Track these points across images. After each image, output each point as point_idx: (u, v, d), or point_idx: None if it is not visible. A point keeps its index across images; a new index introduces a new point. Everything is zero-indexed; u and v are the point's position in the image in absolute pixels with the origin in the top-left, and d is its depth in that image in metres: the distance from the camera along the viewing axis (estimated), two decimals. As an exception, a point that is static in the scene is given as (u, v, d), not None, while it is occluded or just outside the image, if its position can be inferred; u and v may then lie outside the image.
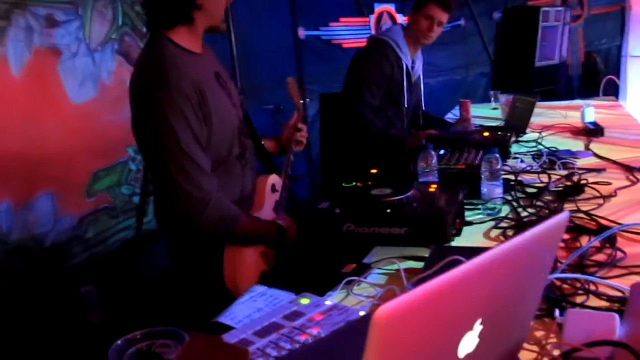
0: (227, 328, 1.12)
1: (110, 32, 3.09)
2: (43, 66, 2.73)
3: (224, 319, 1.19)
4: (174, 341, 0.91)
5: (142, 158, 1.90)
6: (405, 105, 2.89)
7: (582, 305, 1.12)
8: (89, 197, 2.98)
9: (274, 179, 1.87)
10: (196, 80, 1.56)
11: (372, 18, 5.24)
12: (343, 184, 1.77)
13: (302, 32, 4.61)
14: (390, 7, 5.44)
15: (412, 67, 2.91)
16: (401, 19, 5.29)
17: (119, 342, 0.90)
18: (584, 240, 1.45)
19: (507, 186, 1.91)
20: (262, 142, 2.02)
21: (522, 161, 2.35)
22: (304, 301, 1.16)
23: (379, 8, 5.33)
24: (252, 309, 1.23)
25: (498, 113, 3.66)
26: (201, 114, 1.56)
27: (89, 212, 2.98)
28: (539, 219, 1.66)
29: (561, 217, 0.79)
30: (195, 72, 1.57)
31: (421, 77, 3.11)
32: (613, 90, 5.51)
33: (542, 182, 2.01)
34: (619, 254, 1.36)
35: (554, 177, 2.04)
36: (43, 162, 2.70)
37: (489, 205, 1.76)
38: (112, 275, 3.00)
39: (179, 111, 1.50)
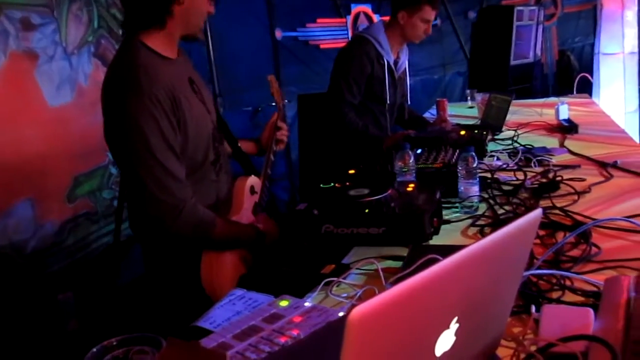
0: (206, 332, 1.11)
1: (86, 35, 3.06)
2: (19, 70, 2.69)
3: (203, 323, 1.19)
4: (151, 347, 0.90)
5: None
6: (388, 102, 2.89)
7: (557, 301, 1.13)
8: (70, 202, 2.94)
9: (252, 180, 1.86)
10: (169, 86, 1.54)
11: (349, 19, 5.25)
12: (321, 185, 1.77)
13: (279, 34, 4.61)
14: (367, 8, 5.47)
15: (396, 63, 2.91)
16: (378, 19, 5.31)
17: (94, 349, 0.89)
18: (560, 236, 1.47)
19: (484, 184, 1.93)
20: (240, 144, 2.01)
21: (498, 159, 2.37)
22: (283, 303, 1.16)
23: (355, 9, 5.35)
24: (231, 312, 1.22)
25: (474, 112, 3.70)
26: (175, 120, 1.54)
27: (70, 218, 2.94)
28: (516, 216, 1.68)
29: (534, 214, 0.80)
30: (169, 78, 1.55)
31: (407, 71, 3.10)
32: (586, 88, 5.60)
33: (518, 180, 2.03)
34: (594, 249, 1.37)
35: (529, 175, 2.06)
36: (21, 167, 2.66)
37: (466, 203, 1.78)
38: (91, 282, 2.97)
39: (151, 118, 1.48)
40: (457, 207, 1.80)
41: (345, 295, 1.28)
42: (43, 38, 2.80)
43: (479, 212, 1.76)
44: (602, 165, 2.15)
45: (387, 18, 2.92)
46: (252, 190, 1.85)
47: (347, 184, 1.74)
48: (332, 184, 1.77)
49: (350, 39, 3.05)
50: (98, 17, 3.12)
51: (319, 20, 4.97)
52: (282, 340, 1.02)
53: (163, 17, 1.56)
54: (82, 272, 2.98)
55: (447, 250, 1.19)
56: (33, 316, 2.67)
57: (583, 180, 1.96)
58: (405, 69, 3.06)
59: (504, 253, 0.77)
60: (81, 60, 3.01)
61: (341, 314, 1.11)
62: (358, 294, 1.27)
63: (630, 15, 5.48)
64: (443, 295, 0.66)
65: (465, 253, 0.66)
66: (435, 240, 1.56)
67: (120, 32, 3.12)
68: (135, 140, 1.48)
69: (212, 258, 1.64)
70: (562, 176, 1.99)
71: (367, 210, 1.54)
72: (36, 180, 2.74)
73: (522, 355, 0.93)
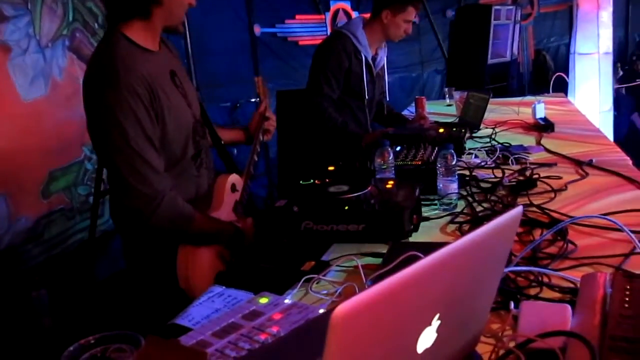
0: (185, 330, 1.10)
1: (61, 28, 3.00)
2: (-8, 63, 2.64)
3: (182, 320, 1.18)
4: (129, 345, 0.88)
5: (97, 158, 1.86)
6: (367, 97, 2.90)
7: (535, 297, 1.15)
8: (45, 197, 2.89)
9: (234, 178, 1.85)
10: (148, 78, 1.53)
11: (328, 15, 5.25)
12: (301, 182, 1.76)
13: (258, 30, 4.59)
14: (346, 5, 5.47)
15: (374, 60, 2.92)
16: (357, 16, 5.31)
17: (71, 348, 0.88)
18: (537, 234, 1.48)
19: (462, 181, 1.94)
20: (228, 133, 2.01)
21: (476, 157, 2.39)
22: (263, 300, 1.15)
23: (334, 5, 5.35)
24: (210, 309, 1.21)
25: (452, 110, 3.72)
26: (153, 112, 1.53)
27: (46, 214, 2.90)
28: (494, 213, 1.69)
29: (515, 212, 0.81)
30: (148, 70, 1.54)
31: (385, 67, 3.10)
32: (562, 87, 5.68)
33: (496, 177, 2.05)
34: (570, 246, 1.39)
35: (507, 172, 2.08)
36: (-6, 162, 2.62)
37: (445, 200, 1.79)
38: (66, 278, 2.93)
39: (129, 109, 1.47)
40: (436, 204, 1.81)
41: (325, 292, 1.28)
42: (16, 30, 2.74)
43: (458, 210, 1.77)
44: (578, 163, 2.18)
45: (367, 15, 2.92)
46: (234, 188, 1.83)
47: (327, 180, 1.74)
48: (312, 180, 1.76)
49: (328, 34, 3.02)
50: (73, 10, 3.06)
51: (297, 17, 4.97)
52: (262, 337, 1.01)
53: (148, 7, 1.55)
54: (58, 269, 2.93)
55: (427, 247, 1.20)
56: (7, 312, 2.62)
57: (559, 178, 1.99)
58: (383, 65, 3.06)
59: (486, 250, 0.77)
60: (55, 54, 2.96)
61: (321, 311, 1.11)
62: (338, 291, 1.27)
63: (605, 16, 5.56)
64: (425, 293, 0.66)
65: (447, 250, 0.66)
66: (414, 237, 1.57)
67: (96, 25, 3.08)
68: (113, 132, 1.47)
69: (188, 253, 1.63)
70: (539, 174, 2.01)
71: (346, 207, 1.54)
72: (10, 175, 2.69)
73: (501, 351, 0.94)
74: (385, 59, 3.06)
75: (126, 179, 1.50)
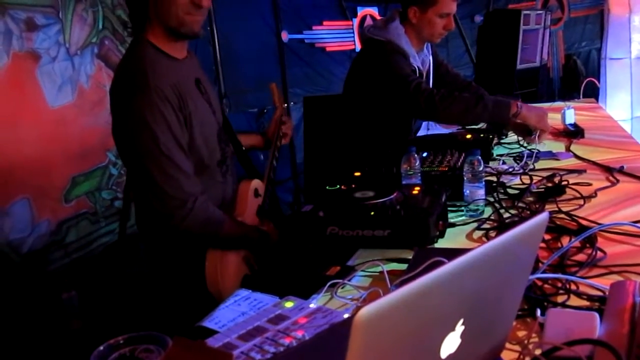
0: (211, 332, 1.11)
1: (90, 36, 3.06)
2: (21, 71, 2.70)
3: (208, 323, 1.19)
4: (156, 346, 0.90)
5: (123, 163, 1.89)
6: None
7: (563, 305, 1.13)
8: (67, 202, 2.94)
9: (256, 183, 1.87)
10: (176, 84, 1.55)
11: (355, 21, 5.26)
12: (327, 187, 1.77)
13: (285, 36, 4.61)
14: (374, 11, 5.47)
15: (422, 64, 2.61)
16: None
17: (101, 348, 0.90)
18: (565, 241, 1.46)
19: (489, 188, 1.93)
20: (247, 137, 2.03)
21: (503, 163, 2.37)
22: (288, 304, 1.16)
23: (362, 11, 5.35)
24: (236, 313, 1.22)
25: (480, 115, 3.67)
26: (182, 116, 1.56)
27: (68, 217, 2.95)
28: (521, 220, 1.68)
29: (541, 218, 0.80)
30: (175, 77, 1.57)
31: (431, 66, 2.74)
32: (593, 92, 5.58)
33: (523, 184, 2.02)
34: (599, 254, 1.37)
35: (535, 179, 2.06)
36: (19, 167, 2.68)
37: (472, 207, 1.78)
38: (94, 280, 2.98)
39: (159, 114, 1.50)
40: (462, 211, 1.80)
41: (350, 297, 1.28)
42: (46, 39, 2.81)
43: (485, 216, 1.75)
44: (608, 170, 2.14)
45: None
46: (256, 193, 1.85)
47: (353, 186, 1.75)
48: (338, 186, 1.77)
49: (372, 45, 2.51)
50: (103, 18, 3.13)
51: (325, 23, 4.98)
52: (287, 341, 1.02)
53: (145, 8, 1.56)
54: (85, 271, 2.98)
55: (452, 253, 1.19)
56: (36, 315, 2.68)
57: (589, 184, 1.96)
58: (429, 65, 2.70)
59: (510, 256, 0.77)
60: (84, 61, 3.02)
61: (346, 315, 1.11)
62: (363, 296, 1.27)
63: (638, 20, 5.46)
64: (449, 297, 0.66)
65: (471, 255, 0.66)
66: (440, 243, 1.56)
67: (125, 33, 3.14)
68: (144, 136, 1.49)
69: (216, 258, 1.65)
70: (567, 180, 1.98)
71: (372, 213, 1.54)
72: (33, 179, 2.75)
73: (527, 359, 0.93)
74: (431, 58, 2.71)
75: (157, 183, 1.51)
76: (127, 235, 3.14)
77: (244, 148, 1.99)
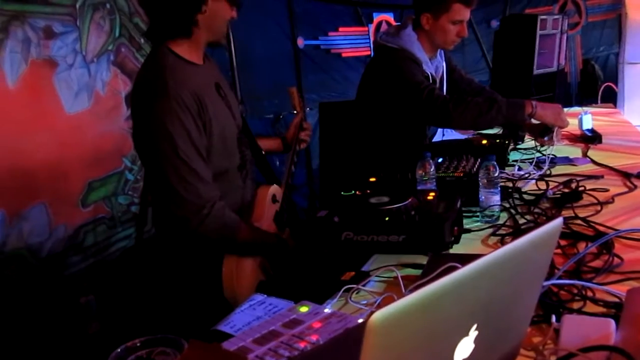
0: (226, 336, 1.12)
1: (106, 44, 3.10)
2: (38, 77, 2.74)
3: (223, 327, 1.20)
4: (173, 349, 0.91)
5: (142, 168, 1.92)
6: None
7: (578, 311, 1.13)
8: (84, 207, 2.98)
9: (274, 189, 1.88)
10: (196, 90, 1.57)
11: (371, 27, 5.26)
12: (342, 193, 1.78)
13: (301, 42, 4.63)
14: (389, 17, 5.47)
15: (435, 70, 2.62)
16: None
17: (118, 350, 0.91)
18: (581, 247, 1.45)
19: (505, 193, 1.92)
20: (266, 141, 2.05)
21: (519, 168, 2.35)
22: (303, 309, 1.17)
23: (377, 17, 5.36)
24: (251, 317, 1.23)
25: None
26: (201, 123, 1.58)
27: (85, 222, 2.98)
28: (537, 225, 1.67)
29: (555, 223, 0.80)
30: (195, 83, 1.59)
31: (444, 73, 2.72)
32: (611, 97, 5.53)
33: (539, 189, 2.01)
34: (616, 260, 1.36)
35: (552, 184, 2.04)
36: (36, 172, 2.71)
37: (487, 212, 1.77)
38: (111, 284, 3.00)
39: (178, 120, 1.52)
40: (477, 216, 1.80)
41: (364, 302, 1.29)
42: (63, 46, 2.85)
43: (500, 222, 1.75)
44: (625, 175, 2.12)
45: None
46: (274, 198, 1.86)
47: (368, 191, 1.75)
48: (353, 191, 1.77)
49: (385, 52, 2.50)
50: (120, 25, 3.16)
51: (340, 29, 4.99)
52: (301, 345, 1.03)
53: (189, 27, 1.60)
54: (102, 275, 3.01)
55: (467, 259, 1.19)
56: (54, 318, 2.71)
57: (606, 190, 1.94)
58: (442, 71, 2.70)
59: (525, 261, 0.77)
60: (100, 68, 3.05)
61: (360, 320, 1.11)
62: (377, 301, 1.27)
63: (656, 24, 5.41)
64: (463, 301, 0.66)
65: (486, 260, 0.66)
66: (455, 249, 1.56)
67: (142, 40, 3.17)
68: (163, 142, 1.52)
69: (233, 264, 1.66)
70: (584, 186, 1.97)
71: (387, 218, 1.55)
72: (50, 185, 2.78)
73: (542, 365, 0.93)
74: (444, 64, 2.71)
75: (175, 188, 1.53)
76: (143, 239, 3.17)
77: (263, 152, 2.00)
